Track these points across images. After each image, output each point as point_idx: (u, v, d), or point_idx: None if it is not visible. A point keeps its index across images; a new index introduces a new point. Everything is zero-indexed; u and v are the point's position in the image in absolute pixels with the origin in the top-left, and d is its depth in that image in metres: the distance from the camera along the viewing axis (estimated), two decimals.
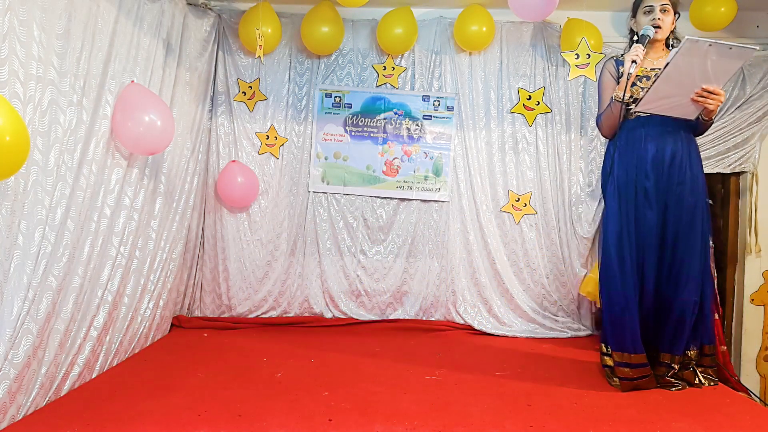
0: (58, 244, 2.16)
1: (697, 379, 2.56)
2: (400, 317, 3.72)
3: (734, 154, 3.60)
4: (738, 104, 3.57)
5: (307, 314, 3.77)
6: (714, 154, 3.59)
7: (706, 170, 3.54)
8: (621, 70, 2.61)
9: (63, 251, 2.20)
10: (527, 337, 3.55)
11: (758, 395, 3.48)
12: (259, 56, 3.17)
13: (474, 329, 3.64)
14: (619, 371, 2.53)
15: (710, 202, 3.47)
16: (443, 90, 3.75)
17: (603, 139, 3.70)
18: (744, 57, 2.22)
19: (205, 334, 3.43)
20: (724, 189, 3.84)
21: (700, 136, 3.21)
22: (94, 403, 2.23)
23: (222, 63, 3.76)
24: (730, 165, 3.62)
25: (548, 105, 3.70)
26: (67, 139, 2.19)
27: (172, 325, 3.49)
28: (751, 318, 3.65)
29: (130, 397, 2.31)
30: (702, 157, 3.50)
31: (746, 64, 3.60)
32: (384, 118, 3.78)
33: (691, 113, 2.45)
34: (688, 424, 2.14)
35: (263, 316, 3.74)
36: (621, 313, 2.51)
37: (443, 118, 3.76)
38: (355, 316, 3.74)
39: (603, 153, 3.69)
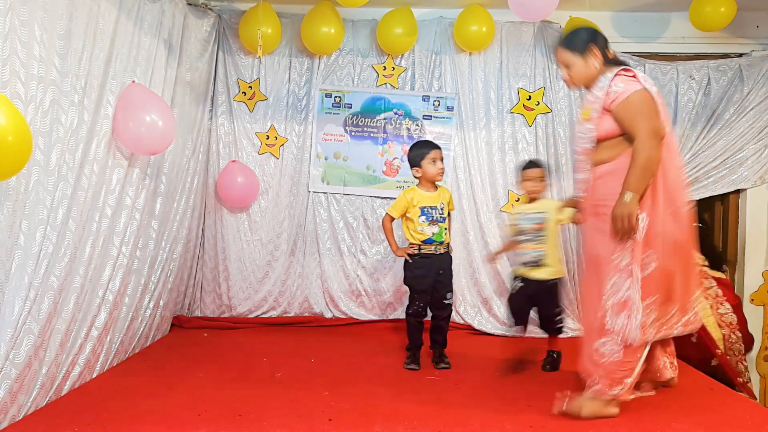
0: (59, 244, 2.17)
1: None
2: (400, 317, 3.72)
3: (749, 169, 3.61)
4: (737, 107, 3.58)
5: (307, 314, 3.77)
6: (728, 173, 3.62)
7: (725, 189, 3.63)
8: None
9: (64, 251, 2.20)
10: (527, 337, 3.55)
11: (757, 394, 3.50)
12: (259, 56, 3.18)
13: (474, 329, 3.65)
14: None
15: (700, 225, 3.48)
16: (443, 90, 3.75)
17: None
18: None
19: (205, 334, 3.43)
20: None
21: (711, 156, 3.54)
22: (95, 402, 2.23)
23: (222, 63, 3.76)
24: (749, 179, 3.62)
25: (548, 105, 3.70)
26: (68, 139, 2.19)
27: (172, 325, 3.49)
28: (751, 318, 3.64)
29: (131, 396, 2.31)
30: (720, 175, 3.63)
31: (744, 65, 3.61)
32: (384, 118, 3.78)
33: None
34: (688, 424, 2.14)
35: (263, 316, 3.75)
36: None
37: (443, 118, 3.76)
38: (355, 316, 3.74)
39: None
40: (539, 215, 2.74)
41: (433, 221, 2.79)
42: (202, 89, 3.58)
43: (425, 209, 2.79)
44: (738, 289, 3.71)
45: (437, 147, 2.83)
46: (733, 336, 3.18)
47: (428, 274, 2.81)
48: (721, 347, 3.16)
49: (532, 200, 2.83)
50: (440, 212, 2.82)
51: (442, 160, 2.83)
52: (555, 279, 2.75)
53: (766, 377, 3.61)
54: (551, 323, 2.79)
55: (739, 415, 2.27)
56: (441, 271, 2.83)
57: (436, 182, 2.87)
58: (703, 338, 3.12)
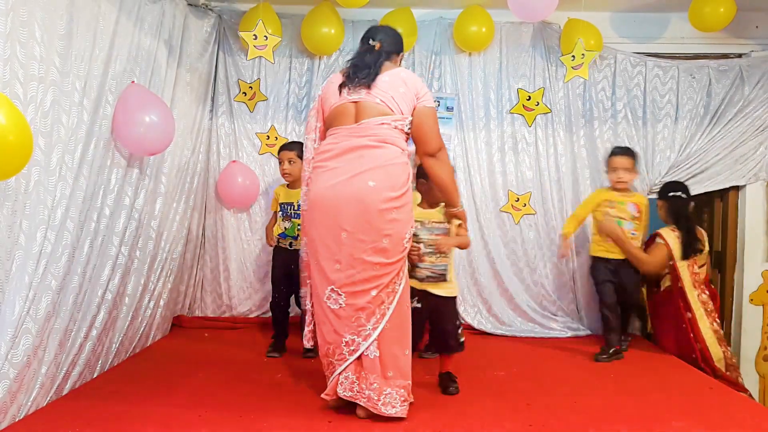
0: (57, 243, 2.16)
1: None
2: None
3: (743, 165, 3.62)
4: (738, 107, 3.58)
5: None
6: (723, 169, 3.62)
7: (720, 185, 3.65)
8: None
9: (62, 251, 2.20)
10: (527, 337, 3.56)
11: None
12: (261, 56, 3.19)
13: (474, 329, 3.64)
14: None
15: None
16: (443, 90, 3.75)
17: (604, 139, 3.71)
18: None
19: (206, 334, 3.43)
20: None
21: (712, 153, 3.61)
22: (95, 403, 2.23)
23: (222, 63, 3.76)
24: (744, 176, 3.63)
25: (548, 105, 3.71)
26: (68, 140, 2.20)
27: (172, 324, 3.48)
28: (750, 318, 3.66)
29: (131, 397, 2.31)
30: (715, 171, 3.62)
31: (745, 66, 3.61)
32: None
33: None
34: (688, 424, 2.14)
35: (264, 315, 3.74)
36: None
37: (443, 118, 3.74)
38: None
39: (604, 153, 3.70)
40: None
41: (286, 217, 3.08)
42: (202, 89, 3.58)
43: (282, 205, 3.13)
44: (737, 289, 3.71)
45: (284, 148, 3.14)
46: (728, 352, 3.11)
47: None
48: (722, 367, 3.06)
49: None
50: (295, 209, 3.05)
51: (289, 161, 3.08)
52: None
53: (766, 377, 3.61)
54: None
55: (739, 415, 2.27)
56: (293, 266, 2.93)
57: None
58: (707, 362, 3.04)
